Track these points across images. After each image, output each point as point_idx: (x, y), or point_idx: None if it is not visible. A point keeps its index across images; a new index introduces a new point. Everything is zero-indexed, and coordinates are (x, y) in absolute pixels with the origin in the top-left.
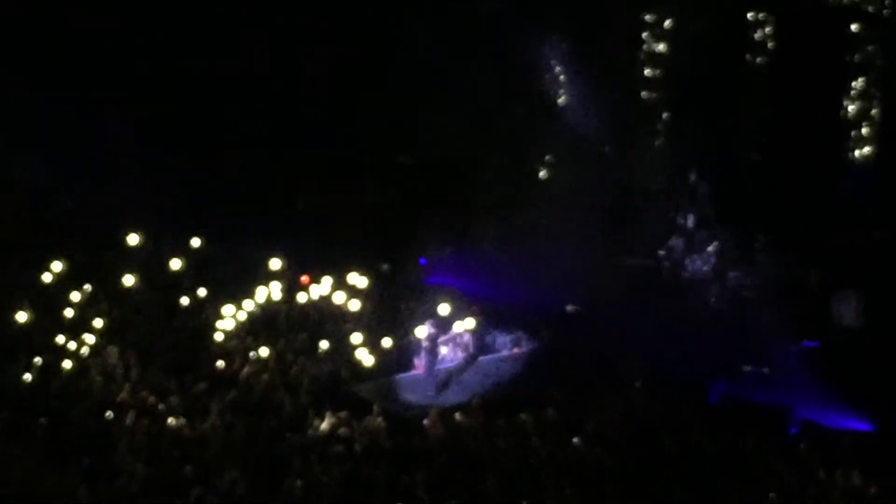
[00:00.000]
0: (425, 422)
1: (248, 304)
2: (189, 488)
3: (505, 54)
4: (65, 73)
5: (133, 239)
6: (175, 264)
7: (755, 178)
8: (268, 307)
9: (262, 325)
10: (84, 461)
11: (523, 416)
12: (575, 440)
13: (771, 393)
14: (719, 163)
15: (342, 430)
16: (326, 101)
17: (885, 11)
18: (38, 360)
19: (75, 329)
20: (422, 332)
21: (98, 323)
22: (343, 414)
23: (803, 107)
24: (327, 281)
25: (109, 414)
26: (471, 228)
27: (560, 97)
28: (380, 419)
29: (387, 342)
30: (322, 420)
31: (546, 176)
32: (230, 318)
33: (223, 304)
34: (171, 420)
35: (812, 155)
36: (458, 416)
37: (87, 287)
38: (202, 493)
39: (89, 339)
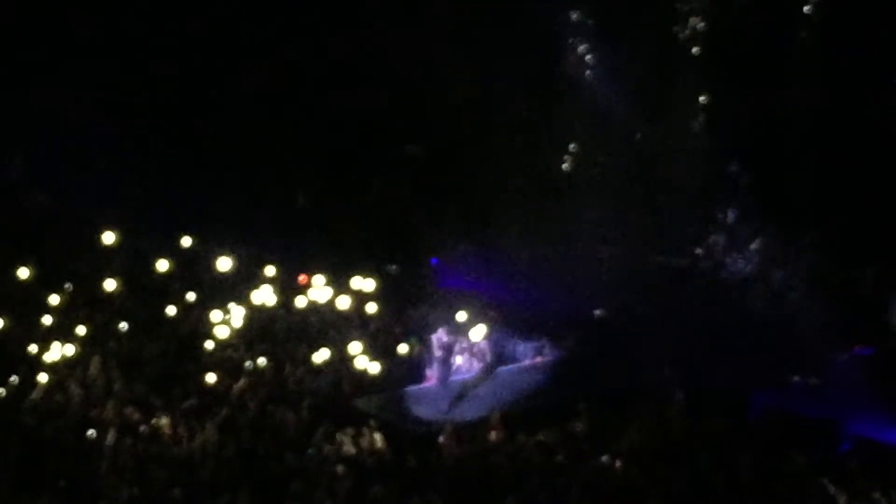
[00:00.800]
0: (440, 439)
1: (243, 310)
2: None
3: (523, 30)
4: (40, 63)
5: (113, 237)
6: (162, 266)
7: (803, 168)
8: (264, 313)
9: (257, 333)
10: (61, 484)
11: (547, 431)
12: (604, 458)
13: (819, 406)
14: (763, 150)
15: (347, 449)
16: (328, 87)
17: None
18: (12, 376)
19: (52, 338)
20: (434, 339)
21: (77, 331)
22: (348, 431)
23: (858, 87)
24: (329, 284)
25: (91, 433)
26: (487, 225)
27: (585, 78)
28: (388, 436)
29: (395, 351)
30: (324, 438)
31: (570, 166)
32: (223, 325)
33: (215, 309)
34: (157, 439)
35: (867, 141)
36: (475, 432)
37: (65, 291)
38: None
39: (68, 349)
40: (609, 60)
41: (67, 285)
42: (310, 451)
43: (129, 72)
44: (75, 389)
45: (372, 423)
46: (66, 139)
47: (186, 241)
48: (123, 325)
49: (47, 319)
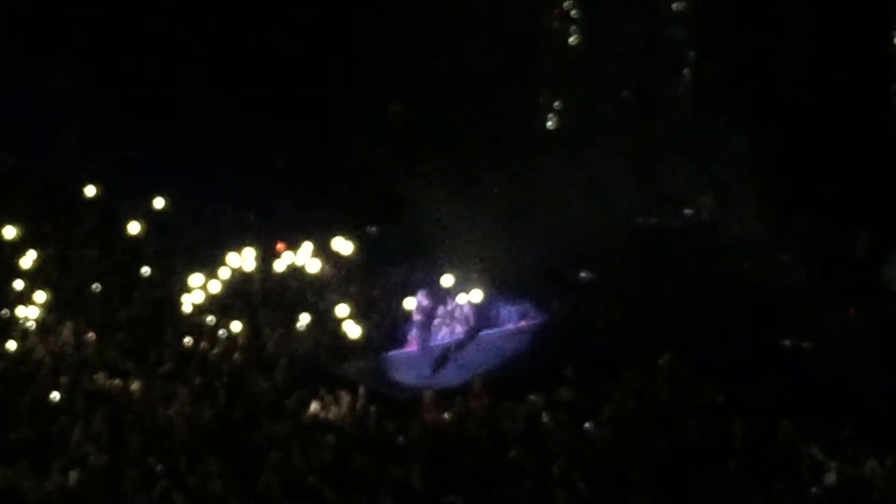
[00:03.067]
0: (420, 405)
1: (219, 274)
2: (153, 483)
3: None
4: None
5: (86, 195)
6: (135, 228)
7: (796, 127)
8: (240, 276)
9: (233, 297)
10: (32, 451)
11: (532, 398)
12: (587, 425)
13: (810, 371)
14: (755, 109)
15: (325, 416)
16: (307, 48)
17: None
18: None
19: (20, 303)
20: (415, 303)
21: (46, 296)
22: (326, 397)
23: (853, 43)
24: (307, 246)
25: (55, 395)
26: (471, 185)
27: (570, 34)
28: (368, 402)
29: (375, 316)
30: (302, 404)
31: (555, 125)
32: (198, 289)
33: (190, 273)
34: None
35: (862, 100)
36: (457, 398)
37: (33, 254)
38: (168, 488)
39: (36, 314)
40: (595, 15)
41: (33, 254)
42: (287, 417)
43: (101, 33)
44: (45, 356)
45: (351, 389)
46: (37, 100)
47: (160, 203)
48: (96, 287)
49: (17, 284)
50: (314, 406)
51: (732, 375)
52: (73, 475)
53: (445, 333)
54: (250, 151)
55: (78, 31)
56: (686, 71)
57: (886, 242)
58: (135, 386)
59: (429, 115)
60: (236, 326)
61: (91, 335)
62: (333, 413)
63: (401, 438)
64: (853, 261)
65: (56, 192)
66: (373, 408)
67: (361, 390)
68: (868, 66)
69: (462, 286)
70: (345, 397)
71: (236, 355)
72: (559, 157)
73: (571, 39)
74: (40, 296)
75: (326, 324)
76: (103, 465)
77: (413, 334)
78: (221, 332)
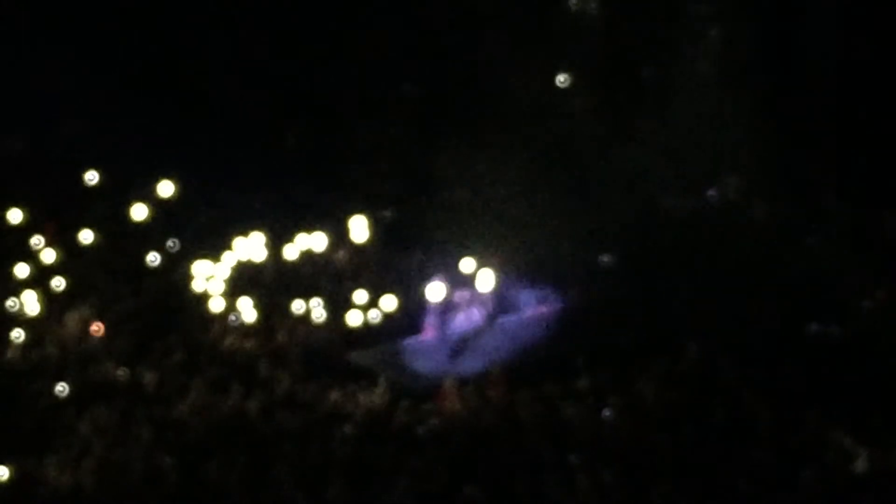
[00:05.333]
0: (438, 394)
1: (230, 260)
2: (164, 477)
3: None
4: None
5: (93, 180)
6: (143, 212)
7: (823, 105)
8: (252, 263)
9: (245, 284)
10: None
11: (551, 386)
12: (606, 413)
13: (839, 357)
14: (780, 86)
15: (341, 407)
16: (318, 25)
17: None
18: None
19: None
20: (432, 289)
21: (55, 284)
22: (341, 387)
23: (883, 19)
24: (321, 230)
25: (61, 388)
26: (490, 168)
27: (592, 10)
28: (384, 392)
29: (391, 302)
30: (317, 394)
31: (576, 105)
32: (208, 276)
33: (199, 259)
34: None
35: (892, 77)
36: (475, 387)
37: (40, 242)
38: (179, 482)
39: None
40: None
41: (39, 241)
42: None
43: (106, 13)
44: (52, 347)
45: (367, 378)
46: (41, 83)
47: (168, 187)
48: (104, 276)
49: (23, 272)
50: (329, 396)
51: (758, 361)
52: (80, 469)
53: (463, 320)
54: (261, 132)
55: (83, 12)
56: (710, 48)
57: None
58: (145, 377)
59: (447, 95)
60: (249, 315)
61: (98, 325)
62: (349, 403)
63: (418, 428)
64: (883, 243)
65: (62, 177)
66: (389, 397)
67: (378, 379)
68: None
69: (480, 272)
70: (360, 387)
71: (249, 345)
72: (580, 138)
73: (592, 15)
74: (47, 284)
75: (341, 311)
76: (112, 459)
77: (430, 321)
78: (233, 320)
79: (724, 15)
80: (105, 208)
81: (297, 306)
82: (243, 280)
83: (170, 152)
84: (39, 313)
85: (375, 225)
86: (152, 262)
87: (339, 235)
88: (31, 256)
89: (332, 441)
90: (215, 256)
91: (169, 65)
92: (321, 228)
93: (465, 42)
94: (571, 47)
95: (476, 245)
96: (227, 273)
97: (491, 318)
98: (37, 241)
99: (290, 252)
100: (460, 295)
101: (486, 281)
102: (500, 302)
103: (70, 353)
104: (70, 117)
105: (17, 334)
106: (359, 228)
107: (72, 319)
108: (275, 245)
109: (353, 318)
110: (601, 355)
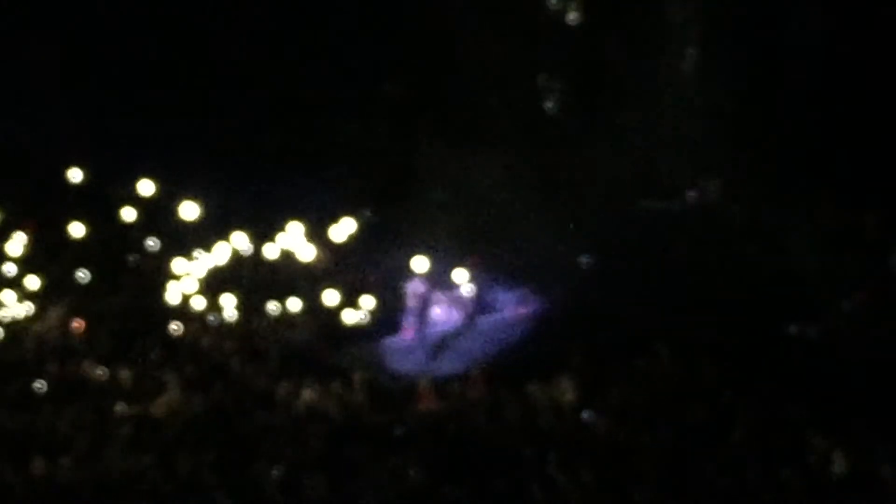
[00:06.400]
0: (417, 394)
1: (209, 258)
2: (142, 475)
3: None
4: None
5: (73, 177)
6: (123, 212)
7: (804, 106)
8: (231, 262)
9: (223, 282)
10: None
11: (531, 386)
12: (585, 415)
13: (819, 358)
14: (762, 87)
15: (319, 405)
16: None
17: None
18: None
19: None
20: (411, 288)
21: (33, 282)
22: (319, 386)
23: (867, 17)
24: (299, 230)
25: (40, 385)
26: (471, 168)
27: (572, 11)
28: (363, 391)
29: (370, 301)
30: (294, 393)
31: (557, 105)
32: (187, 274)
33: (178, 257)
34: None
35: (873, 77)
36: (454, 387)
37: (21, 238)
38: (157, 480)
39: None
40: None
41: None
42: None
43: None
44: (30, 346)
45: (346, 377)
46: (21, 80)
47: (148, 186)
48: (83, 275)
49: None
50: (307, 395)
51: (737, 362)
52: (58, 467)
53: (443, 320)
54: (241, 131)
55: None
56: (690, 47)
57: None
58: (123, 375)
59: (428, 95)
60: (227, 313)
61: (78, 323)
62: (327, 402)
63: (397, 428)
64: (863, 244)
65: (43, 175)
66: (368, 397)
67: (356, 379)
68: (883, 40)
69: (460, 272)
70: (339, 386)
71: (227, 343)
72: (561, 138)
73: (572, 16)
74: (26, 282)
75: (320, 310)
76: (90, 457)
77: (409, 321)
78: (212, 319)
79: (704, 14)
80: (86, 206)
81: (276, 306)
82: (222, 279)
83: (150, 150)
84: (19, 311)
85: (355, 224)
86: (134, 258)
87: (319, 235)
88: (10, 254)
89: (310, 439)
90: (195, 255)
91: (150, 62)
92: (301, 228)
93: (446, 41)
94: (552, 47)
95: (456, 245)
96: (205, 272)
97: (470, 318)
98: (17, 238)
99: (270, 251)
100: (440, 295)
101: (465, 281)
102: (480, 302)
103: (48, 350)
104: (51, 114)
105: None
106: (338, 228)
107: (52, 317)
108: (255, 244)
109: (333, 318)
110: (581, 355)
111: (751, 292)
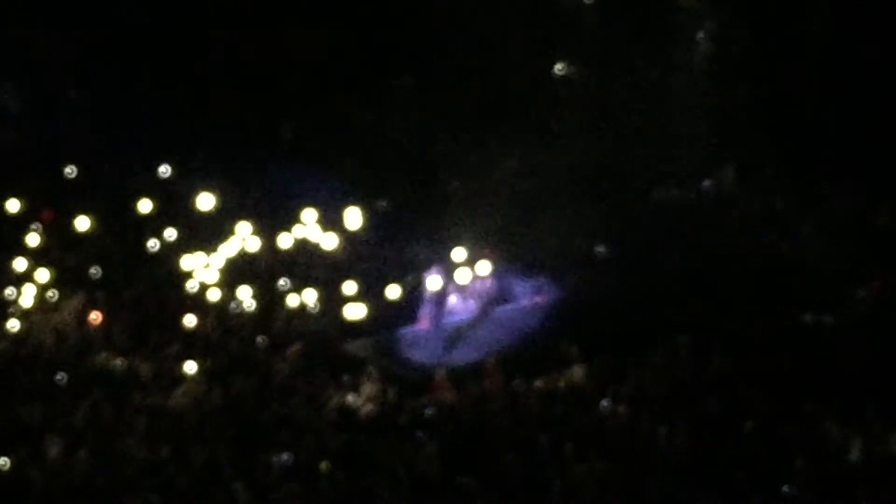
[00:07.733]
0: (433, 384)
1: (226, 249)
2: (160, 466)
3: None
4: None
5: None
6: (140, 202)
7: (818, 95)
8: (248, 252)
9: (240, 272)
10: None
11: (547, 377)
12: (603, 403)
13: (834, 347)
14: (776, 75)
15: (336, 396)
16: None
17: None
18: None
19: (23, 281)
20: (429, 279)
21: (49, 273)
22: (337, 377)
23: (882, 5)
24: (316, 220)
25: (61, 377)
26: (486, 157)
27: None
28: (379, 382)
29: (386, 292)
30: (312, 385)
31: (570, 92)
32: (205, 265)
33: (196, 248)
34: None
35: (889, 64)
36: (470, 377)
37: (37, 230)
38: (174, 472)
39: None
40: None
41: (36, 230)
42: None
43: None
44: (47, 336)
45: (362, 368)
46: (35, 70)
47: (165, 178)
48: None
49: (20, 262)
50: (325, 385)
51: (753, 351)
52: (76, 459)
53: (459, 310)
54: (257, 123)
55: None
56: (705, 39)
57: None
58: (141, 367)
59: (443, 86)
60: (245, 305)
61: (95, 314)
62: (345, 393)
63: (413, 419)
64: (877, 233)
65: (59, 167)
66: (384, 387)
67: (372, 369)
68: None
69: (476, 262)
70: (355, 377)
71: (245, 335)
72: (575, 127)
73: (587, 5)
74: (43, 274)
75: (337, 301)
76: (108, 449)
77: (425, 311)
78: (234, 307)
79: (719, 6)
80: (103, 198)
81: (293, 296)
82: (239, 270)
83: (167, 143)
84: (36, 303)
85: (371, 215)
86: (152, 248)
87: (335, 225)
88: (28, 246)
89: (327, 430)
90: (212, 246)
91: (164, 56)
92: (317, 219)
93: (461, 33)
94: (567, 38)
95: (472, 236)
96: (223, 263)
97: (486, 308)
98: (34, 230)
99: (286, 242)
100: (456, 285)
101: (481, 272)
102: (496, 292)
103: (65, 343)
104: (67, 108)
105: (14, 324)
106: (354, 218)
107: (69, 308)
108: (270, 235)
109: (349, 309)
110: (597, 346)
111: (767, 281)
